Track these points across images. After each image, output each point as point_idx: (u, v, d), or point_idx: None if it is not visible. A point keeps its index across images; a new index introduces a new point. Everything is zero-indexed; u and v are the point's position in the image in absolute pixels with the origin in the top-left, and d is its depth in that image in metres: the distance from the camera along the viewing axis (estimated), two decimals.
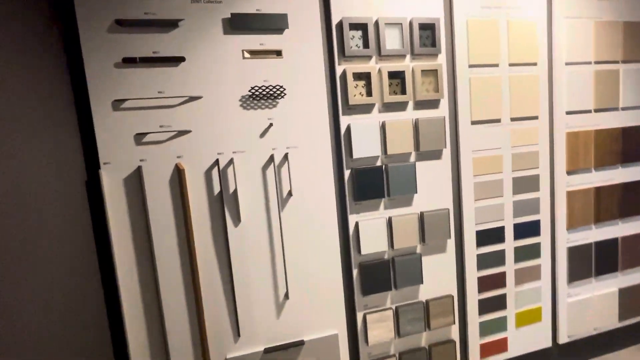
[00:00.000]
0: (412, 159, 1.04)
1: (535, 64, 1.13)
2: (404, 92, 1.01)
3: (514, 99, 1.11)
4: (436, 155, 1.06)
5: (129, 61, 0.82)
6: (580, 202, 1.21)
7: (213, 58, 0.87)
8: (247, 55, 0.90)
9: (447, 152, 1.07)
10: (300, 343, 0.97)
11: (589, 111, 1.20)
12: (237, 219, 0.92)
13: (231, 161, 0.90)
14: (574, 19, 1.15)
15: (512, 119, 1.12)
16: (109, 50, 0.81)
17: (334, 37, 0.94)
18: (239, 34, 0.89)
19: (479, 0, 1.05)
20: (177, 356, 0.90)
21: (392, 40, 0.98)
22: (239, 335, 0.94)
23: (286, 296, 0.97)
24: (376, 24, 0.97)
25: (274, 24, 0.90)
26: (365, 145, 0.98)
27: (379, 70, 0.98)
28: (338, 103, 0.97)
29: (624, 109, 1.25)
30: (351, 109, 0.98)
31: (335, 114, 0.98)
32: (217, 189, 0.90)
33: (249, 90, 0.90)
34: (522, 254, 1.17)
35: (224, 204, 0.90)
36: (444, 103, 1.05)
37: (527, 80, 1.12)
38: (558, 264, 1.22)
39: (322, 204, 0.98)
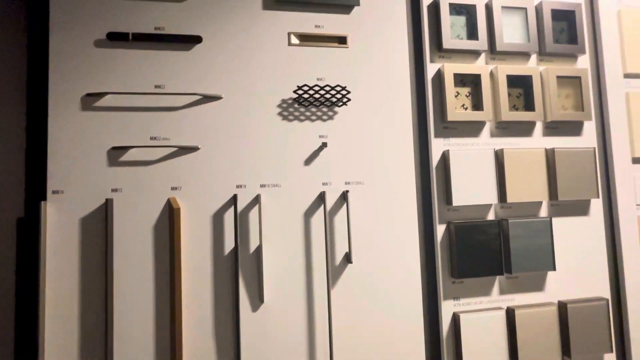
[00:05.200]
0: (544, 212, 0.65)
1: None
2: (529, 107, 0.65)
3: None
4: (580, 209, 0.66)
5: (117, 37, 0.53)
6: None
7: (243, 41, 0.57)
8: (295, 40, 0.59)
9: (597, 205, 0.67)
10: None
11: None
12: (257, 298, 0.54)
13: (257, 200, 0.56)
14: None
15: None
16: (88, 21, 0.53)
17: (424, 22, 0.63)
18: (285, 9, 0.59)
19: None
20: None
21: (511, 32, 0.65)
22: None
23: None
24: (488, 7, 0.65)
25: None
26: (471, 186, 0.61)
27: (492, 73, 0.64)
28: (428, 118, 0.62)
29: None
30: (449, 129, 0.62)
31: (424, 135, 0.63)
32: (230, 243, 0.55)
33: (295, 91, 0.58)
34: None
35: (238, 270, 0.54)
36: (590, 128, 0.68)
37: None
38: None
39: (398, 280, 0.58)
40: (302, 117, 0.58)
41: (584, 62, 0.68)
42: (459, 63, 0.63)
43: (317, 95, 0.58)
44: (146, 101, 0.54)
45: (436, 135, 0.62)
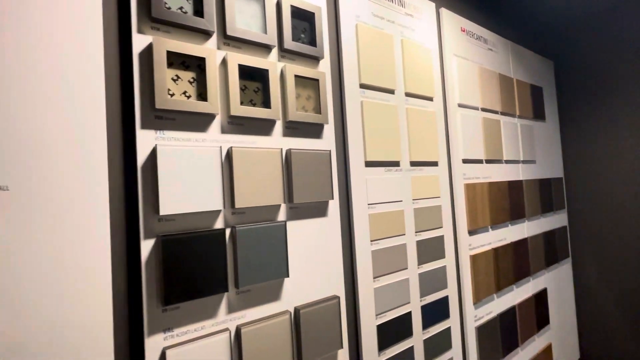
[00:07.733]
0: (282, 216, 0.62)
1: (431, 99, 0.93)
2: (266, 104, 0.60)
3: (412, 137, 0.85)
4: (319, 210, 0.66)
5: None
6: (483, 267, 1.01)
7: None
8: None
9: (334, 206, 0.69)
10: None
11: (481, 161, 1.06)
12: None
13: None
14: (462, 58, 1.03)
15: (413, 164, 0.86)
16: None
17: None
18: None
19: (369, 4, 0.80)
20: None
21: (247, 18, 0.59)
22: None
23: None
24: None
25: None
26: (189, 191, 0.50)
27: (224, 60, 0.56)
28: (134, 104, 0.48)
29: (507, 162, 1.17)
30: (163, 119, 0.50)
31: (128, 124, 0.49)
32: None
33: None
34: (433, 348, 0.84)
35: None
36: (329, 131, 0.69)
37: (425, 116, 0.89)
38: (469, 353, 0.94)
39: (71, 325, 0.42)
40: None
41: (324, 66, 0.70)
42: (179, 39, 0.52)
43: None
44: None
45: (144, 127, 0.48)
